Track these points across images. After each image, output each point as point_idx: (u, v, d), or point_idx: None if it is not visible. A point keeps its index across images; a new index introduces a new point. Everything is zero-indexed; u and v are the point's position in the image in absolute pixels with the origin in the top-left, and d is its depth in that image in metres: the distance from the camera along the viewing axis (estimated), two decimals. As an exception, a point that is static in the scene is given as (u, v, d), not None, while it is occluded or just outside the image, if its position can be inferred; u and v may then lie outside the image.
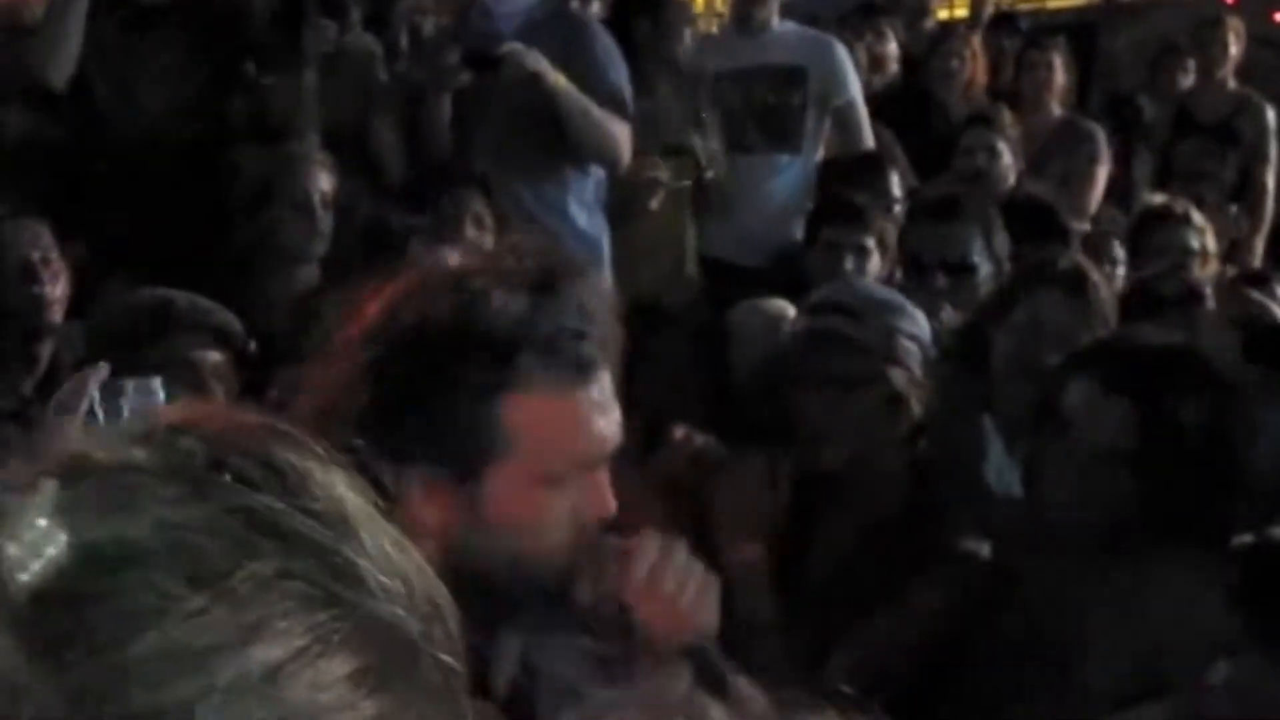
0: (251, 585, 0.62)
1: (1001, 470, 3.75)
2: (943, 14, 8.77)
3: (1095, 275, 3.87)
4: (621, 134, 5.08)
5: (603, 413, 1.96)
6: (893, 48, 7.24)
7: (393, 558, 0.67)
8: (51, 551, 0.61)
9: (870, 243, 4.85)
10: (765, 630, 3.05)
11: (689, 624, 1.95)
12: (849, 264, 4.79)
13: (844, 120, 6.10)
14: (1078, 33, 7.92)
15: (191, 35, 5.49)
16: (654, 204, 5.71)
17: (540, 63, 4.92)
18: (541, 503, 1.93)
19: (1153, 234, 5.22)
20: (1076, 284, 3.78)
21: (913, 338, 3.45)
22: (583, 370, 1.94)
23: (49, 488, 0.63)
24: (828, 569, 3.29)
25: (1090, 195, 6.37)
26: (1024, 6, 9.94)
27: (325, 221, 4.75)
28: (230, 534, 0.63)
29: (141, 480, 0.65)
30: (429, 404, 1.90)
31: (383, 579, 0.66)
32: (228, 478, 0.65)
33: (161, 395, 2.23)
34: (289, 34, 6.62)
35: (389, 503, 0.69)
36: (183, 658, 0.60)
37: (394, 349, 1.92)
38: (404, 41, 7.04)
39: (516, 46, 4.93)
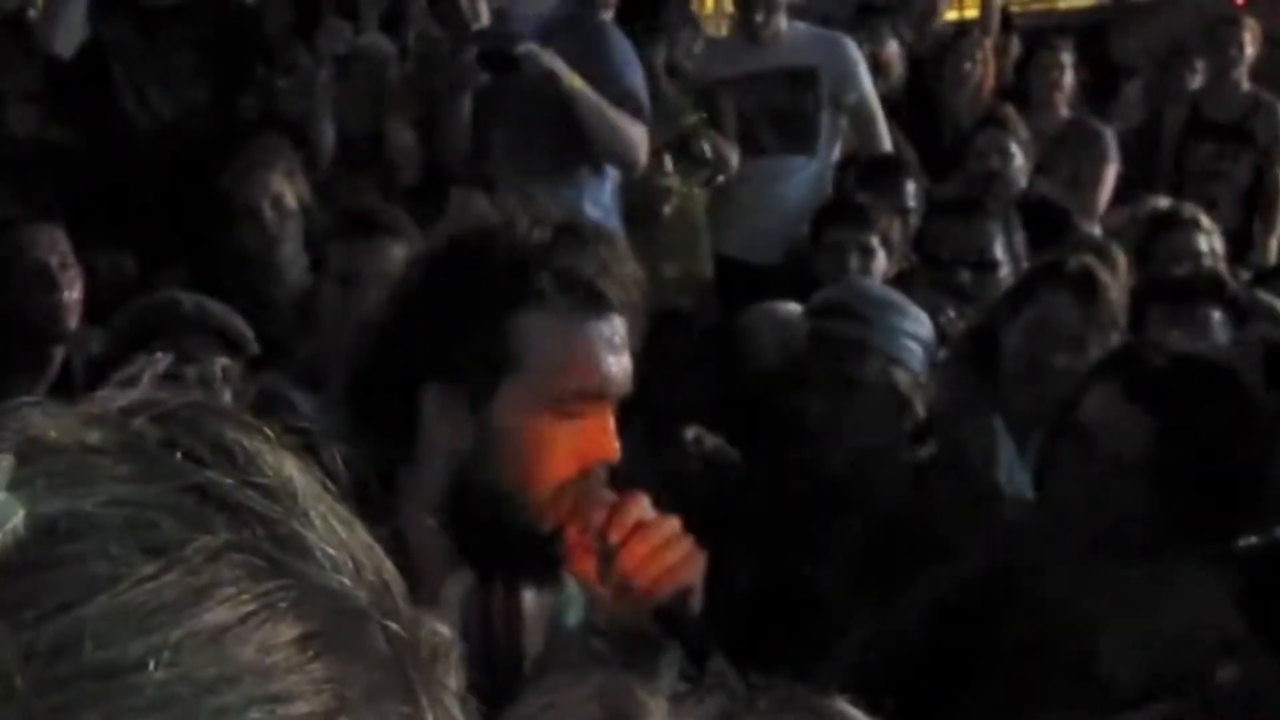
0: (202, 555, 0.64)
1: (1012, 471, 3.76)
2: (951, 14, 8.75)
3: (1105, 276, 3.87)
4: (638, 136, 5.11)
5: (613, 351, 2.02)
6: (894, 49, 7.23)
7: (340, 533, 0.69)
8: (9, 524, 0.64)
9: (875, 242, 4.87)
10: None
11: (671, 579, 1.97)
12: (854, 263, 4.80)
13: (858, 117, 6.10)
14: (1088, 34, 7.92)
15: (204, 37, 5.52)
16: (667, 210, 5.72)
17: (556, 63, 4.94)
18: (547, 430, 1.99)
19: (1161, 238, 5.21)
20: (1086, 285, 3.78)
21: (915, 338, 3.46)
22: (597, 304, 2.00)
23: (5, 464, 0.66)
24: (834, 570, 3.31)
25: (1099, 195, 6.37)
26: (1035, 7, 9.94)
27: (280, 226, 4.73)
28: (182, 509, 0.65)
29: (96, 459, 0.67)
30: (449, 317, 1.99)
31: (330, 551, 0.68)
32: (179, 456, 0.68)
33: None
34: (304, 35, 6.66)
35: (338, 484, 0.72)
36: (133, 618, 0.62)
37: (422, 269, 2.06)
38: (420, 46, 7.06)
39: (533, 47, 4.95)
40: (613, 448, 2.02)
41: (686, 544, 1.99)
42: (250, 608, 0.64)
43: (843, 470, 3.43)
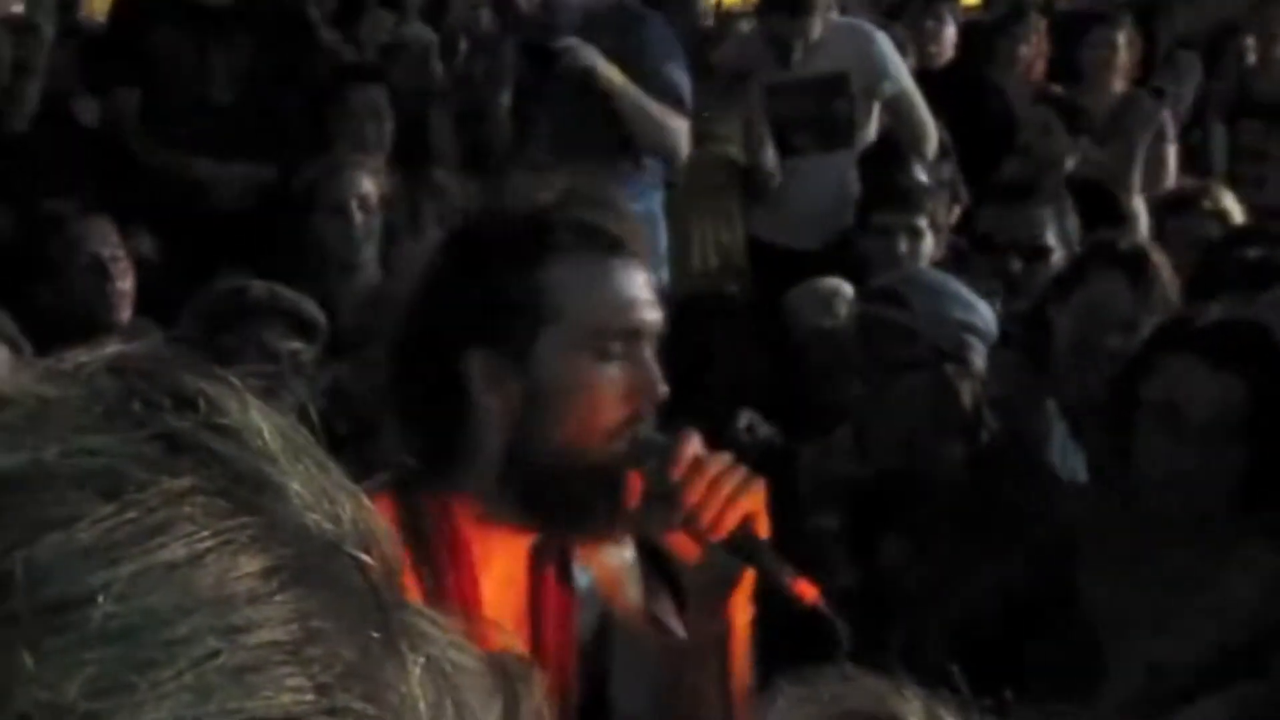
0: (162, 498, 0.63)
1: (1065, 454, 3.74)
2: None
3: (1157, 256, 3.84)
4: (679, 128, 5.13)
5: (641, 290, 2.09)
6: (950, 32, 7.18)
7: (313, 474, 0.68)
8: None
9: (923, 223, 4.83)
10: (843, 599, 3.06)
11: (734, 509, 2.01)
12: (903, 247, 4.77)
13: (897, 110, 6.02)
14: (1136, 14, 7.86)
15: (257, 36, 5.54)
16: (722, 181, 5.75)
17: (595, 58, 4.95)
18: (592, 373, 2.04)
19: (1173, 221, 5.16)
20: (1138, 266, 3.74)
21: (968, 326, 3.43)
22: (617, 247, 2.08)
23: None
24: (894, 564, 3.29)
25: (1162, 172, 6.34)
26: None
27: (365, 225, 4.76)
28: (145, 456, 0.64)
29: (55, 411, 0.66)
30: (477, 285, 2.05)
31: (299, 489, 0.66)
32: (137, 406, 0.66)
33: None
34: (347, 25, 6.67)
35: (311, 430, 0.70)
36: (87, 555, 0.62)
37: (444, 248, 2.12)
38: (462, 37, 7.07)
39: (572, 42, 4.95)
40: (659, 385, 2.06)
41: (742, 472, 2.03)
42: (209, 544, 0.63)
43: (889, 457, 3.41)
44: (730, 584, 2.05)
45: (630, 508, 2.05)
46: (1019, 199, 4.65)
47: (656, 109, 5.04)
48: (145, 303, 4.42)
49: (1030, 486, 3.38)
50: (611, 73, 4.98)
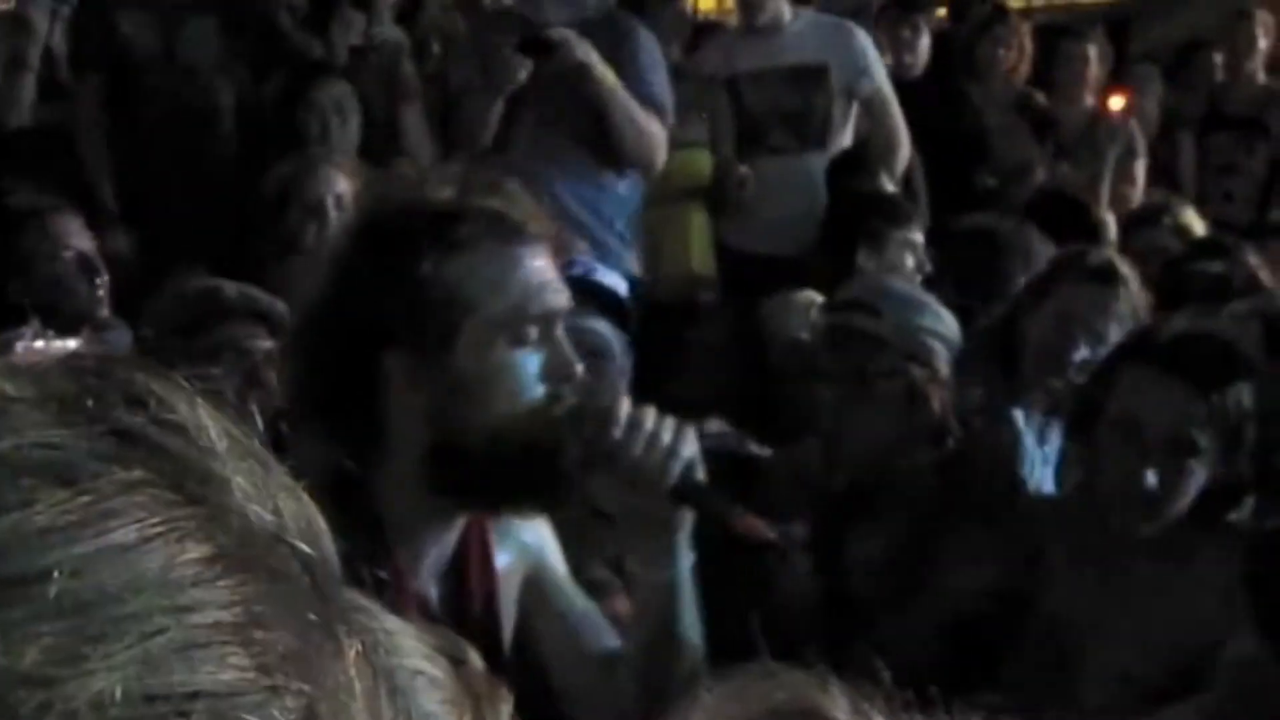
0: (115, 487, 0.66)
1: (1033, 464, 3.75)
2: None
3: (1126, 269, 3.85)
4: (660, 137, 5.15)
5: (549, 274, 2.15)
6: (925, 43, 7.19)
7: (256, 472, 0.71)
8: None
9: (919, 237, 4.81)
10: (807, 609, 3.07)
11: (673, 459, 2.09)
12: (910, 261, 4.74)
13: (871, 109, 6.02)
14: (1109, 27, 7.89)
15: (227, 31, 5.52)
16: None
17: (590, 54, 4.98)
18: (509, 360, 2.10)
19: (1137, 235, 5.19)
20: (1108, 278, 3.76)
21: (935, 334, 3.44)
22: (523, 235, 2.13)
23: None
24: (861, 568, 3.29)
25: (1130, 191, 6.36)
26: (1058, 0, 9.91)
27: (340, 223, 4.74)
28: (98, 450, 0.67)
29: (10, 406, 0.69)
30: (390, 284, 2.08)
31: (244, 485, 0.70)
32: (92, 403, 0.69)
33: None
34: (319, 26, 6.66)
35: (252, 429, 0.74)
36: (43, 534, 0.64)
37: (352, 242, 2.16)
38: (435, 39, 7.06)
39: (569, 34, 4.97)
40: (574, 363, 2.13)
41: (674, 421, 2.11)
42: (158, 529, 0.66)
43: (859, 466, 3.42)
44: (673, 535, 2.14)
45: (574, 475, 2.11)
46: (989, 252, 4.64)
47: (641, 115, 5.08)
48: (117, 300, 4.40)
49: (997, 494, 3.39)
50: (604, 70, 5.02)
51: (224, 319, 3.56)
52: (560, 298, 2.15)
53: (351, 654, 0.70)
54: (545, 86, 5.05)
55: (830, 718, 0.96)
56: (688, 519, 2.14)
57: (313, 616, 0.69)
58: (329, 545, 0.73)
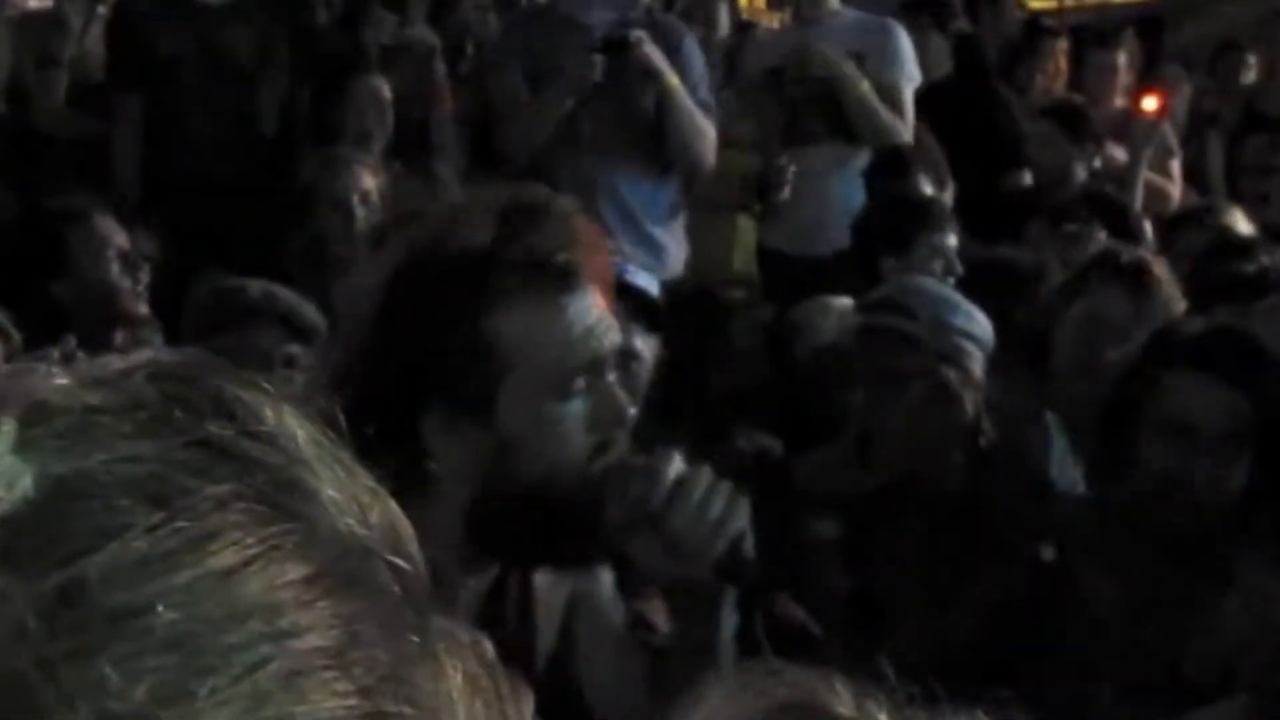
0: (209, 504, 0.65)
1: (1064, 466, 3.73)
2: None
3: (1159, 269, 3.83)
4: (713, 138, 5.24)
5: (595, 317, 2.00)
6: (938, 43, 7.16)
7: (342, 478, 0.70)
8: (17, 485, 0.65)
9: (949, 241, 4.79)
10: (839, 607, 3.07)
11: (720, 533, 1.95)
12: (938, 267, 4.72)
13: (885, 100, 6.01)
14: (1143, 29, 7.87)
15: (260, 35, 5.53)
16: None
17: (662, 58, 5.06)
18: (555, 414, 1.97)
19: (1179, 236, 5.17)
20: (1139, 278, 3.74)
21: (968, 335, 3.43)
22: (562, 280, 1.98)
23: (8, 428, 0.67)
24: (892, 567, 3.29)
25: (1169, 189, 6.34)
26: (1090, 1, 9.88)
27: (367, 221, 4.73)
28: (187, 462, 0.66)
29: (99, 419, 0.68)
30: (425, 344, 1.96)
31: (334, 495, 0.69)
32: (178, 413, 0.68)
33: None
34: (350, 27, 6.67)
35: (338, 434, 0.73)
36: (142, 564, 0.63)
37: (390, 290, 1.99)
38: (469, 40, 7.07)
39: (644, 35, 5.01)
40: (624, 408, 2.02)
41: (727, 490, 1.97)
42: (255, 550, 0.65)
43: (891, 466, 3.41)
44: (716, 604, 2.00)
45: (611, 537, 1.99)
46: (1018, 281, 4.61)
47: (700, 117, 5.16)
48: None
49: (1027, 496, 3.38)
50: (671, 76, 5.10)
51: (245, 321, 3.55)
52: (608, 338, 2.01)
53: (455, 675, 0.69)
54: (609, 87, 5.09)
55: (834, 713, 0.96)
56: (730, 593, 2.00)
57: (412, 637, 0.68)
58: (416, 551, 0.72)
